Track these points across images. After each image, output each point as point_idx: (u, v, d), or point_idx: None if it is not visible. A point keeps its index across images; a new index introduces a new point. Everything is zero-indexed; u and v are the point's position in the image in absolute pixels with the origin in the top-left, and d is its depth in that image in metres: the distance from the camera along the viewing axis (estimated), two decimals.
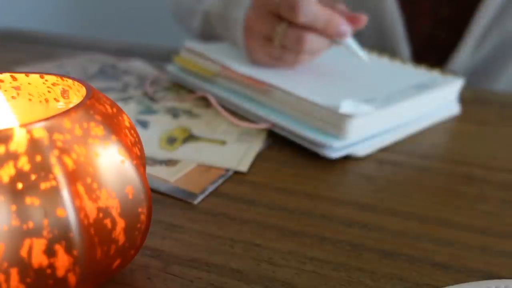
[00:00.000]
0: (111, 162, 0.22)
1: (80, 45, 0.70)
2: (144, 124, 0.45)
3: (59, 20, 1.43)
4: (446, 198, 0.36)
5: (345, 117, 0.40)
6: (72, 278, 0.21)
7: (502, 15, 0.61)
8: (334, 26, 0.46)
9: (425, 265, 0.29)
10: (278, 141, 0.43)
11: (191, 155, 0.40)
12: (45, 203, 0.19)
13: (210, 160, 0.39)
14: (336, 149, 0.40)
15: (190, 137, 0.43)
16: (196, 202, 0.34)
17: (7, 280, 0.19)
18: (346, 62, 0.53)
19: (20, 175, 0.19)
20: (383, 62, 0.55)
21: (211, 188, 0.36)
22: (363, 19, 0.48)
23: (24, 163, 0.19)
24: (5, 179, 0.19)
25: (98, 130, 0.22)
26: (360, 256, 0.29)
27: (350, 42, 0.48)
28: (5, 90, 0.26)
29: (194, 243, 0.30)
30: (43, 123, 0.20)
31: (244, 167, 0.39)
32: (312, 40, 0.46)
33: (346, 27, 0.46)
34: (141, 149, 0.26)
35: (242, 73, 0.47)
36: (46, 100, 0.27)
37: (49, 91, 0.27)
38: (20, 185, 0.19)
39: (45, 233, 0.19)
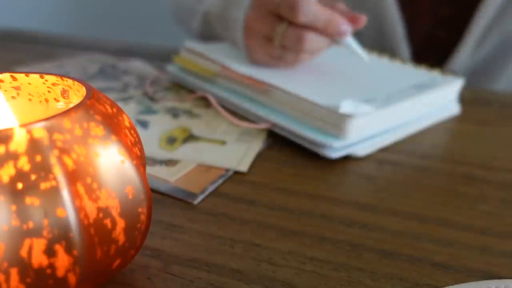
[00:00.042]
0: (111, 162, 0.22)
1: (80, 45, 0.70)
2: (144, 124, 0.45)
3: (59, 20, 1.43)
4: (446, 198, 0.36)
5: (345, 117, 0.40)
6: (72, 278, 0.21)
7: (502, 15, 0.61)
8: (334, 26, 0.46)
9: (425, 265, 0.29)
10: (278, 141, 0.43)
11: (191, 155, 0.40)
12: (45, 203, 0.19)
13: (210, 160, 0.39)
14: (336, 149, 0.40)
15: (190, 137, 0.43)
16: (196, 202, 0.34)
17: (7, 280, 0.19)
18: (346, 62, 0.53)
19: (20, 175, 0.19)
20: (383, 62, 0.55)
21: (211, 188, 0.36)
22: (363, 19, 0.48)
23: (24, 163, 0.19)
24: (5, 179, 0.19)
25: (98, 130, 0.22)
26: (360, 256, 0.29)
27: (350, 41, 0.48)
28: (5, 90, 0.26)
29: (194, 243, 0.30)
30: (43, 123, 0.20)
31: (244, 167, 0.39)
32: (312, 40, 0.46)
33: (346, 27, 0.46)
34: (141, 149, 0.26)
35: (242, 73, 0.47)
36: (46, 100, 0.27)
37: (49, 91, 0.27)
38: (20, 185, 0.19)
39: (45, 233, 0.19)
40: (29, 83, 0.27)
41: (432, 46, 0.66)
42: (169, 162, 0.39)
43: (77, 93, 0.26)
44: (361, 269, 0.28)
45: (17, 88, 0.27)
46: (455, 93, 0.51)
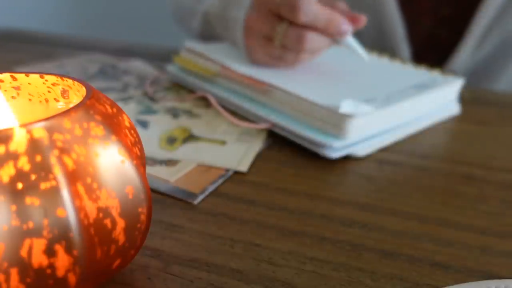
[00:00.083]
0: (111, 162, 0.22)
1: (80, 45, 0.70)
2: (144, 124, 0.45)
3: (59, 20, 1.43)
4: (446, 198, 0.36)
5: (345, 117, 0.40)
6: (72, 278, 0.21)
7: (502, 15, 0.61)
8: (335, 25, 0.46)
9: (425, 265, 0.29)
10: (278, 141, 0.43)
11: (191, 155, 0.40)
12: (45, 203, 0.19)
13: (210, 160, 0.39)
14: (336, 149, 0.40)
15: (190, 137, 0.43)
16: (196, 202, 0.34)
17: (7, 280, 0.19)
18: (346, 62, 0.53)
19: (20, 175, 0.19)
20: (383, 62, 0.55)
21: (211, 188, 0.36)
22: (363, 19, 0.48)
23: (24, 163, 0.19)
24: (5, 179, 0.19)
25: (98, 130, 0.22)
26: (360, 256, 0.29)
27: (351, 41, 0.48)
28: (5, 90, 0.26)
29: (194, 243, 0.30)
30: (43, 123, 0.20)
31: (244, 167, 0.39)
32: (312, 39, 0.46)
33: (346, 26, 0.46)
34: (141, 149, 0.26)
35: (242, 73, 0.47)
36: (46, 100, 0.27)
37: (49, 91, 0.27)
38: (20, 185, 0.19)
39: (45, 233, 0.19)
40: (29, 83, 0.27)
41: (432, 46, 0.66)
42: (169, 162, 0.39)
43: (77, 93, 0.26)
44: (361, 269, 0.28)
45: (17, 88, 0.27)
46: (455, 93, 0.51)
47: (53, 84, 0.26)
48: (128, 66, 0.60)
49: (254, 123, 0.45)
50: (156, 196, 0.35)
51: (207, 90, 0.50)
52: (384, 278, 0.28)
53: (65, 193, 0.20)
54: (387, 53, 0.59)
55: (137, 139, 0.25)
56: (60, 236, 0.20)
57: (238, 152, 0.41)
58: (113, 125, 0.23)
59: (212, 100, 0.48)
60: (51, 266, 0.20)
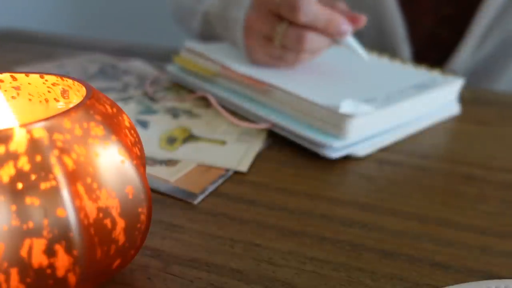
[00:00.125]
0: (111, 162, 0.22)
1: (80, 45, 0.70)
2: (144, 124, 0.45)
3: (59, 20, 1.43)
4: (446, 198, 0.36)
5: (345, 117, 0.40)
6: (72, 278, 0.21)
7: (503, 14, 0.61)
8: (335, 26, 0.46)
9: (425, 265, 0.29)
10: (278, 141, 0.43)
11: (191, 155, 0.40)
12: (45, 203, 0.19)
13: (210, 160, 0.39)
14: (336, 149, 0.40)
15: (190, 137, 0.43)
16: (196, 202, 0.34)
17: (7, 280, 0.19)
18: (346, 62, 0.53)
19: (20, 175, 0.19)
20: (383, 62, 0.55)
21: (211, 188, 0.36)
22: (363, 19, 0.48)
23: (24, 163, 0.19)
24: (5, 179, 0.19)
25: (98, 130, 0.22)
26: (360, 256, 0.29)
27: (351, 41, 0.48)
28: (5, 90, 0.26)
29: (194, 243, 0.30)
30: (43, 123, 0.20)
31: (244, 167, 0.39)
32: (312, 39, 0.46)
33: (346, 26, 0.46)
34: (141, 149, 0.26)
35: (242, 73, 0.47)
36: (46, 100, 0.27)
37: (49, 91, 0.27)
38: (20, 185, 0.19)
39: (45, 233, 0.19)
40: (29, 83, 0.27)
41: (433, 45, 0.66)
42: (169, 162, 0.39)
43: (77, 93, 0.26)
44: (361, 269, 0.28)
45: (17, 88, 0.27)
46: (455, 93, 0.51)
47: (53, 84, 0.26)
48: (128, 66, 0.60)
49: (254, 123, 0.45)
50: (156, 196, 0.35)
51: (207, 90, 0.50)
52: (384, 278, 0.28)
53: (65, 193, 0.20)
54: (388, 53, 0.59)
55: (137, 139, 0.25)
56: (60, 236, 0.20)
57: (238, 152, 0.41)
58: (113, 125, 0.23)
59: (212, 100, 0.48)
60: (51, 266, 0.20)
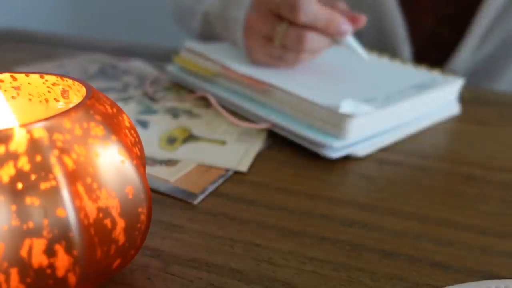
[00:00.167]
0: (111, 162, 0.22)
1: (80, 45, 0.70)
2: (144, 124, 0.45)
3: (59, 20, 1.43)
4: (446, 198, 0.36)
5: (345, 117, 0.40)
6: (72, 278, 0.21)
7: (503, 14, 0.61)
8: (335, 25, 0.46)
9: (425, 265, 0.29)
10: (278, 141, 0.43)
11: (191, 155, 0.40)
12: (45, 203, 0.19)
13: (210, 160, 0.39)
14: (336, 149, 0.40)
15: (190, 137, 0.43)
16: (196, 202, 0.34)
17: (7, 280, 0.19)
18: (346, 62, 0.53)
19: (20, 175, 0.19)
20: (383, 62, 0.55)
21: (211, 188, 0.36)
22: (363, 19, 0.48)
23: (24, 163, 0.19)
24: (5, 179, 0.19)
25: (98, 130, 0.22)
26: (360, 256, 0.29)
27: (351, 40, 0.48)
28: (5, 90, 0.26)
29: (194, 243, 0.30)
30: (43, 123, 0.20)
31: (244, 167, 0.39)
32: (312, 39, 0.46)
33: (346, 26, 0.46)
34: (141, 149, 0.26)
35: (242, 73, 0.47)
36: (46, 100, 0.27)
37: (49, 91, 0.27)
38: (20, 185, 0.19)
39: (45, 233, 0.19)
40: (29, 83, 0.27)
41: (434, 45, 0.66)
42: (169, 162, 0.39)
43: (77, 93, 0.26)
44: (361, 269, 0.28)
45: (17, 88, 0.27)
46: (455, 93, 0.51)
47: (53, 84, 0.26)
48: (128, 66, 0.60)
49: (254, 123, 0.45)
50: (156, 196, 0.35)
51: (207, 90, 0.50)
52: (384, 278, 0.28)
53: (65, 193, 0.20)
54: (388, 53, 0.59)
55: (137, 139, 0.25)
56: (60, 236, 0.20)
57: (238, 152, 0.41)
58: (113, 125, 0.23)
59: (212, 100, 0.48)
60: (51, 266, 0.20)
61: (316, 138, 0.41)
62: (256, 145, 0.42)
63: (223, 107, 0.48)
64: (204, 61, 0.51)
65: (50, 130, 0.20)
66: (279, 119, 0.44)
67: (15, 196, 0.19)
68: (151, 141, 0.42)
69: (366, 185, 0.37)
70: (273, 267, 0.28)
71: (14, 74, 0.26)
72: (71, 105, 0.26)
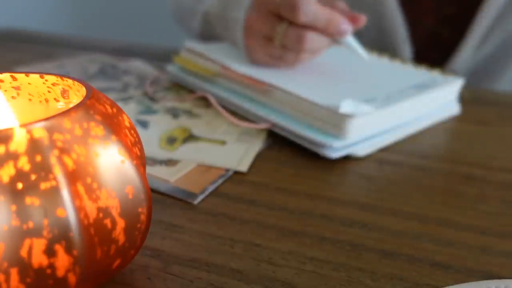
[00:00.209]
0: (111, 162, 0.22)
1: (80, 45, 0.70)
2: (144, 124, 0.45)
3: (58, 20, 1.43)
4: (446, 198, 0.36)
5: (345, 117, 0.40)
6: (72, 278, 0.21)
7: (504, 14, 0.61)
8: (335, 25, 0.46)
9: (425, 265, 0.29)
10: (278, 141, 0.43)
11: (191, 155, 0.40)
12: (45, 203, 0.19)
13: (210, 160, 0.39)
14: (336, 149, 0.40)
15: (190, 137, 0.43)
16: (196, 202, 0.34)
17: (7, 280, 0.19)
18: (346, 62, 0.53)
19: (20, 175, 0.19)
20: (383, 62, 0.55)
21: (211, 188, 0.36)
22: (363, 19, 0.48)
23: (24, 163, 0.19)
24: (5, 179, 0.19)
25: (98, 130, 0.22)
26: (360, 256, 0.29)
27: (351, 40, 0.48)
28: (5, 90, 0.26)
29: (194, 243, 0.30)
30: (43, 123, 0.20)
31: (244, 167, 0.39)
32: (312, 39, 0.46)
33: (346, 26, 0.46)
34: (141, 149, 0.26)
35: (242, 73, 0.47)
36: (46, 100, 0.27)
37: (49, 91, 0.27)
38: (20, 185, 0.19)
39: (45, 233, 0.19)
40: (29, 83, 0.27)
41: (434, 45, 0.66)
42: (169, 162, 0.39)
43: (77, 93, 0.26)
44: (361, 269, 0.28)
45: (17, 88, 0.27)
46: (455, 93, 0.51)
47: (53, 84, 0.26)
48: (128, 66, 0.60)
49: (254, 123, 0.45)
50: (156, 196, 0.35)
51: (207, 90, 0.50)
52: (384, 278, 0.28)
53: (65, 193, 0.20)
54: (388, 53, 0.59)
55: (137, 139, 0.25)
56: (60, 236, 0.20)
57: (238, 152, 0.41)
58: (113, 125, 0.23)
59: (212, 100, 0.48)
60: (51, 266, 0.20)
61: (316, 138, 0.41)
62: (256, 145, 0.42)
63: (223, 107, 0.48)
64: (204, 61, 0.51)
65: (50, 130, 0.20)
66: (279, 119, 0.44)
67: (15, 196, 0.19)
68: (151, 141, 0.42)
69: (366, 185, 0.37)
70: (273, 267, 0.28)
71: (14, 74, 0.26)
72: (71, 105, 0.26)
